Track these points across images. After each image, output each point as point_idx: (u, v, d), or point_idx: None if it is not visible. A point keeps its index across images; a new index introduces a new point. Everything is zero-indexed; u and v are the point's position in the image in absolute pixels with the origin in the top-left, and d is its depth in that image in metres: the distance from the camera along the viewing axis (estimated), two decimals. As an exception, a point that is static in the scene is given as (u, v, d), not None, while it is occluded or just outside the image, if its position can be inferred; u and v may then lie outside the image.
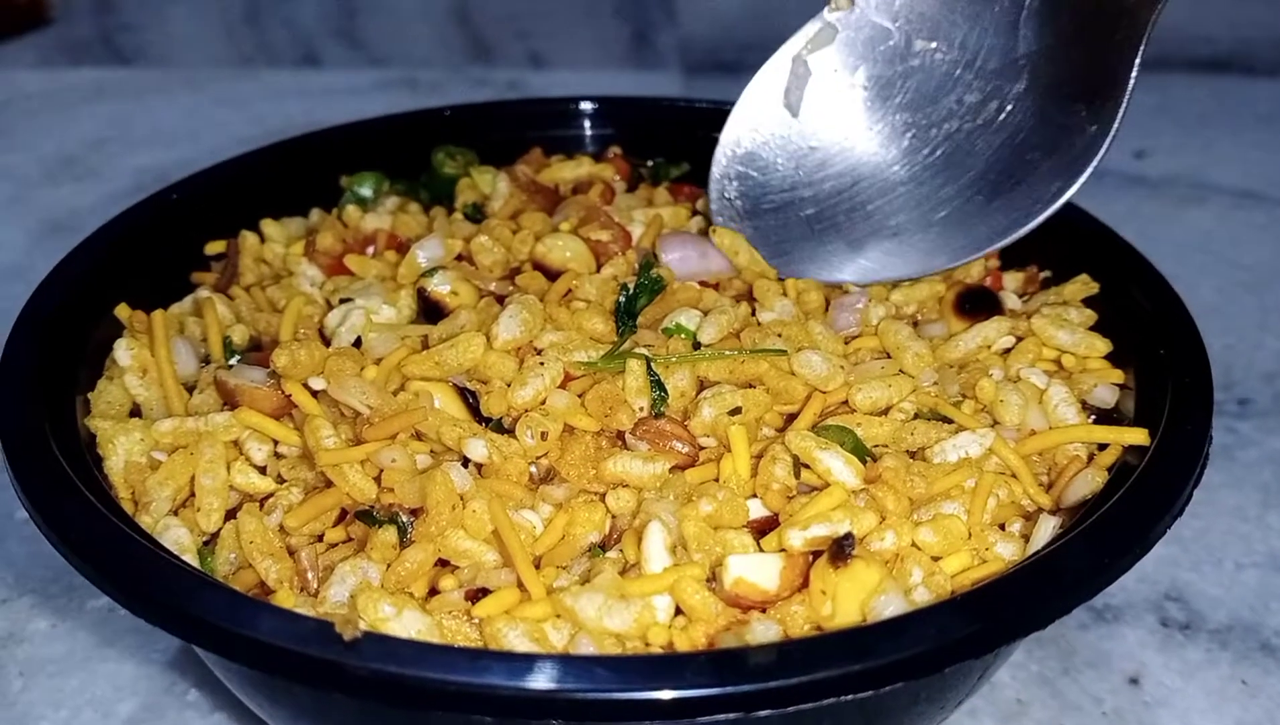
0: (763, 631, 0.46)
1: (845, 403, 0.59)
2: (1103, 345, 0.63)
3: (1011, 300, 0.68)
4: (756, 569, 0.49)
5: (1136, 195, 1.24)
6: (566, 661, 0.41)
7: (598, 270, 0.67)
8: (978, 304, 0.66)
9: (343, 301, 0.64)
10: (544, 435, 0.54)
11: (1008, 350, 0.63)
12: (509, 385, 0.57)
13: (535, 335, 0.59)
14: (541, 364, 0.57)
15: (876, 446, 0.57)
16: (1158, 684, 0.67)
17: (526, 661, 0.42)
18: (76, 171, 1.27)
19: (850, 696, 0.41)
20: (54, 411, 0.56)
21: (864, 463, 0.55)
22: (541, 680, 0.41)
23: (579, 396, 0.57)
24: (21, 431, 0.52)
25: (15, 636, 0.69)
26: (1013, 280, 0.72)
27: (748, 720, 0.41)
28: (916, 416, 0.59)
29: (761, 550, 0.52)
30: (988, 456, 0.57)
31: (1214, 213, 1.21)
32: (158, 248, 0.70)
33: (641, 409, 0.57)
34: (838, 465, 0.53)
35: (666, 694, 0.41)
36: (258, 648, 0.42)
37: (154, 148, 1.32)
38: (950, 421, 0.58)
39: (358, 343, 0.60)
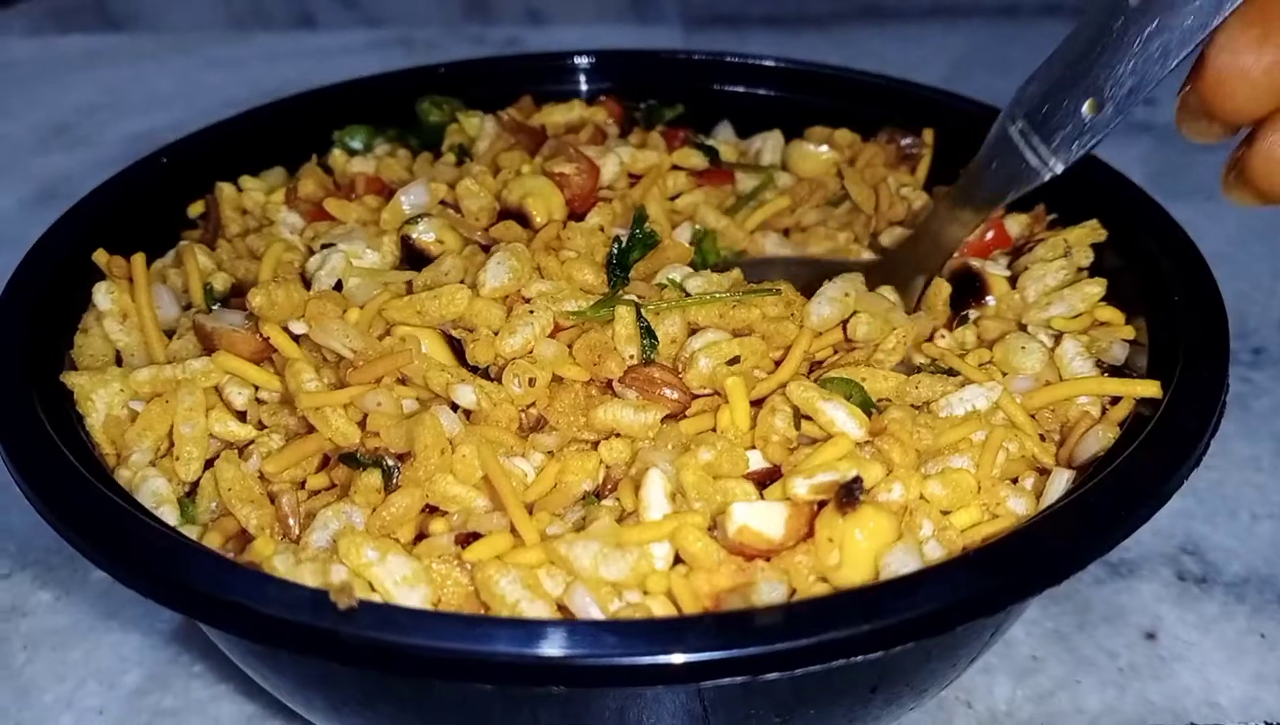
0: (768, 592, 0.45)
1: (836, 351, 0.59)
2: (1096, 289, 0.61)
3: (1000, 277, 0.65)
4: (762, 516, 0.48)
5: (1145, 143, 1.22)
6: (568, 627, 0.40)
7: (570, 208, 0.66)
8: (965, 290, 0.64)
9: (324, 247, 0.62)
10: (531, 382, 0.53)
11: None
12: (496, 334, 0.55)
13: (523, 284, 0.58)
14: (531, 312, 0.56)
15: (881, 400, 0.55)
16: (1174, 638, 0.66)
17: (526, 628, 0.41)
18: (68, 139, 1.25)
19: (860, 658, 0.40)
20: (42, 380, 0.55)
21: (868, 417, 0.54)
22: (542, 646, 0.40)
23: (568, 347, 0.56)
24: (9, 403, 0.51)
25: (19, 609, 0.69)
26: (1016, 223, 0.70)
27: (755, 682, 0.40)
28: (920, 369, 0.58)
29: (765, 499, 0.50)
30: (994, 411, 0.55)
31: (1224, 159, 1.19)
32: (149, 212, 0.68)
33: (631, 357, 0.56)
34: (841, 416, 0.52)
35: (673, 658, 0.40)
36: (250, 617, 0.41)
37: (146, 113, 1.30)
38: (957, 374, 0.57)
39: (339, 287, 0.59)
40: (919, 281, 0.64)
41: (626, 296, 0.58)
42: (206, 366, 0.56)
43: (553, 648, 0.39)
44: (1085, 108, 0.50)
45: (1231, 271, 0.98)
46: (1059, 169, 0.53)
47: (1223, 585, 0.70)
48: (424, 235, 0.62)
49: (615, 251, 0.62)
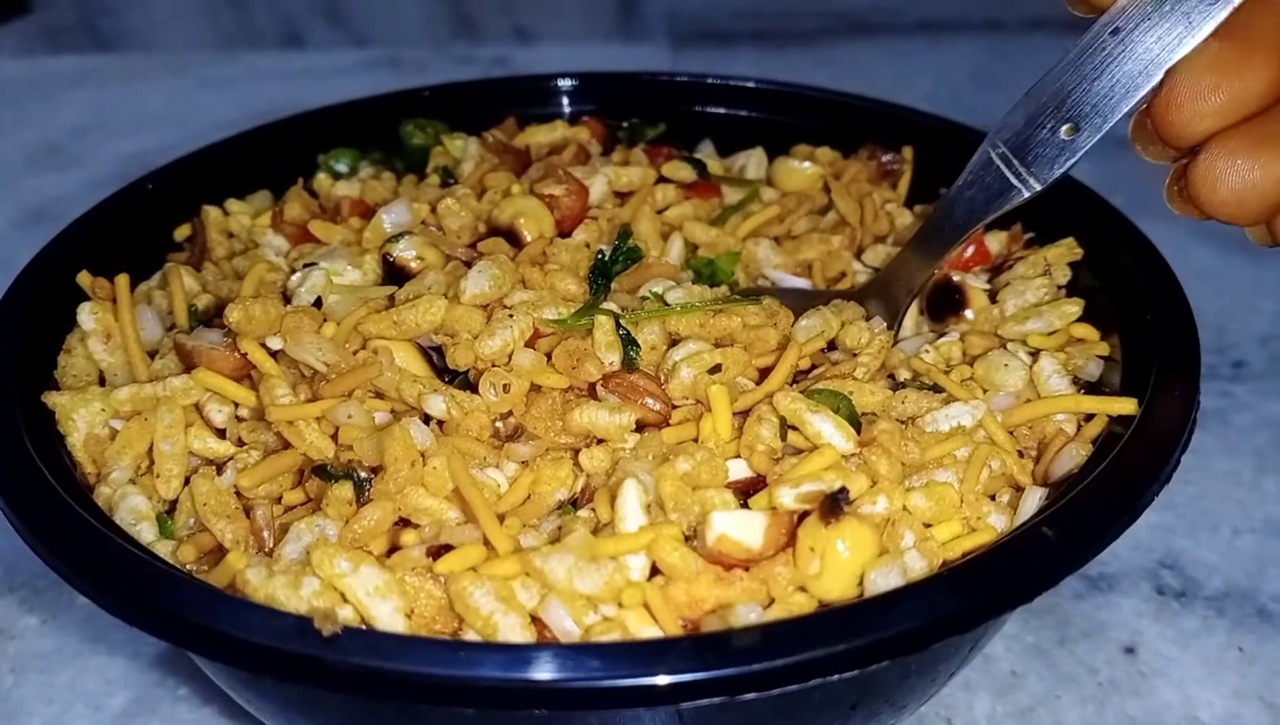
0: (746, 614, 0.45)
1: (815, 365, 0.60)
2: (1074, 308, 0.62)
3: (980, 290, 0.66)
4: (741, 525, 0.48)
5: (1130, 157, 1.22)
6: (550, 652, 0.41)
7: (559, 228, 0.66)
8: (945, 303, 0.65)
9: (306, 266, 0.63)
10: (506, 387, 0.53)
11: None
12: (476, 338, 0.56)
13: (505, 292, 0.59)
14: (510, 316, 0.56)
15: (866, 413, 0.56)
16: (1154, 653, 0.66)
17: (509, 652, 0.41)
18: (59, 160, 1.26)
19: (837, 677, 0.40)
20: (27, 401, 0.55)
21: (856, 430, 0.54)
22: (526, 671, 0.40)
23: (546, 355, 0.57)
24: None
25: (6, 633, 0.69)
26: (996, 241, 0.71)
27: (734, 702, 0.41)
28: (904, 385, 0.59)
29: (748, 508, 0.51)
30: (978, 428, 0.56)
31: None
32: (135, 236, 0.69)
33: (612, 364, 0.56)
34: (828, 428, 0.53)
35: (655, 680, 0.40)
36: (232, 644, 0.41)
37: (137, 134, 1.30)
38: (941, 390, 0.58)
39: (318, 304, 0.59)
40: (905, 301, 0.65)
41: (606, 306, 0.59)
42: (186, 384, 0.56)
43: (536, 672, 0.40)
44: (1063, 131, 0.54)
45: (1214, 287, 1.01)
46: (1038, 188, 0.56)
47: (1203, 599, 0.70)
48: (404, 252, 0.63)
49: (598, 261, 0.63)
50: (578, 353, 0.56)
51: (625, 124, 0.83)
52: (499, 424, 0.55)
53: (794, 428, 0.54)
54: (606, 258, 0.63)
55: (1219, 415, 0.85)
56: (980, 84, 1.39)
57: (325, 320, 0.58)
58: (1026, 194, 0.56)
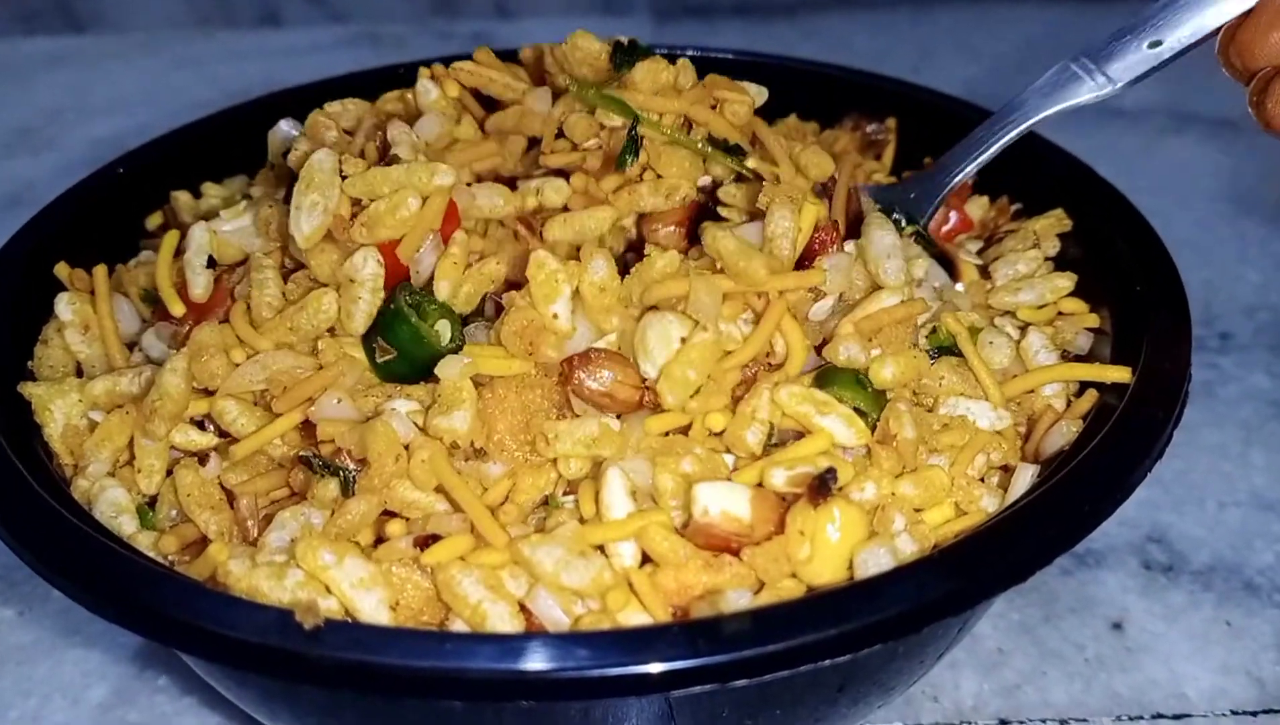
0: (736, 599, 0.44)
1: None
2: (1066, 283, 0.61)
3: (971, 263, 0.65)
4: (726, 497, 0.48)
5: (1115, 128, 1.22)
6: (536, 642, 0.40)
7: None
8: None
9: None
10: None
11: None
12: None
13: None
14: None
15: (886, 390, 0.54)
16: (1141, 629, 0.66)
17: (494, 643, 0.41)
18: (33, 143, 1.24)
19: (827, 663, 0.40)
20: (3, 393, 0.55)
21: (870, 413, 0.53)
22: (512, 662, 0.40)
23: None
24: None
25: (-17, 625, 0.68)
26: (978, 207, 0.70)
27: (725, 689, 0.40)
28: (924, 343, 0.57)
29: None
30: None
31: (1192, 143, 1.20)
32: (108, 223, 0.68)
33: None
34: (838, 427, 0.51)
35: (643, 669, 0.40)
36: (214, 640, 0.40)
37: (111, 116, 1.29)
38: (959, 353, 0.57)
39: (212, 263, 0.58)
40: (945, 188, 0.66)
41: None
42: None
43: (523, 663, 0.39)
44: (1146, 45, 0.58)
45: (1200, 257, 1.00)
46: (1115, 86, 0.59)
47: (1189, 574, 0.70)
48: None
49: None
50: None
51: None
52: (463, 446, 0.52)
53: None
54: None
55: (1206, 388, 0.84)
56: (963, 55, 1.38)
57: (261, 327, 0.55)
58: (1101, 91, 0.59)
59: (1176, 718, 0.62)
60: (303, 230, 0.53)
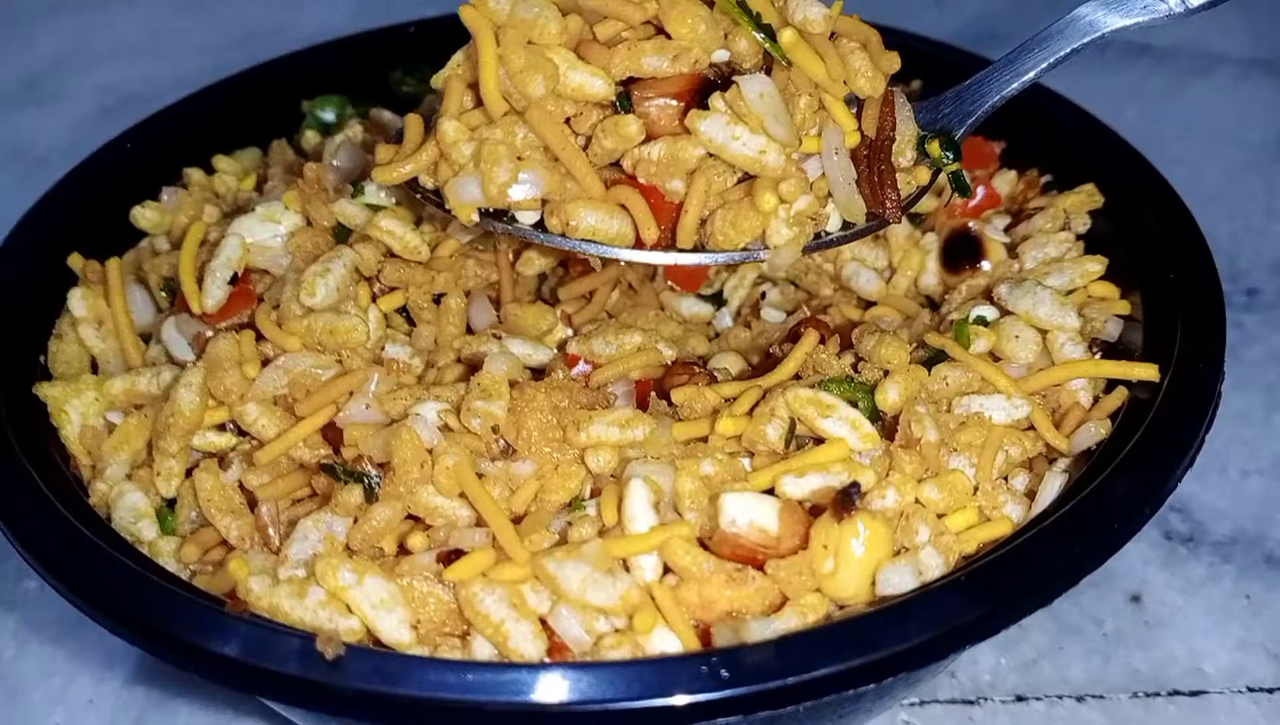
0: (760, 629, 0.44)
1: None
2: (1096, 267, 0.60)
3: (998, 242, 0.64)
4: (754, 509, 0.47)
5: (1142, 67, 1.18)
6: (561, 671, 0.41)
7: None
8: (961, 253, 0.63)
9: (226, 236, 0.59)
10: (495, 429, 0.51)
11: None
12: None
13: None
14: None
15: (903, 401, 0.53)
16: (1159, 602, 0.66)
17: (516, 672, 0.41)
18: (38, 94, 1.22)
19: (852, 691, 0.40)
20: (14, 390, 0.54)
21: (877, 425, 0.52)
22: (535, 692, 0.40)
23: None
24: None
25: (4, 601, 0.68)
26: (1005, 181, 0.69)
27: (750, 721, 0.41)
28: (921, 347, 0.56)
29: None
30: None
31: (1220, 85, 1.16)
32: (115, 202, 0.66)
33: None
34: (843, 430, 0.51)
35: (671, 702, 0.40)
36: (234, 667, 0.41)
37: (115, 63, 1.26)
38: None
39: (235, 279, 0.57)
40: (980, 110, 0.60)
41: None
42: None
43: (544, 694, 0.40)
44: None
45: (1226, 210, 0.98)
46: (1190, 6, 0.55)
47: (1210, 545, 0.70)
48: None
49: None
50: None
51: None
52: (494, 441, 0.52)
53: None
54: None
55: (1230, 350, 0.81)
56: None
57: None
58: (1174, 10, 0.55)
59: (1193, 694, 0.62)
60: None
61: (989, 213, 0.66)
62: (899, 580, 0.46)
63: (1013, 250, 0.63)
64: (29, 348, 0.58)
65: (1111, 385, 0.55)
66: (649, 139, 0.52)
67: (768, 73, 0.53)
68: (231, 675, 0.41)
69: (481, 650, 0.45)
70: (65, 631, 0.66)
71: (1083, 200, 0.64)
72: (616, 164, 0.54)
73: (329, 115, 0.74)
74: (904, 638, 0.40)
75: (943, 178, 0.59)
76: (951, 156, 0.57)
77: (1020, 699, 0.62)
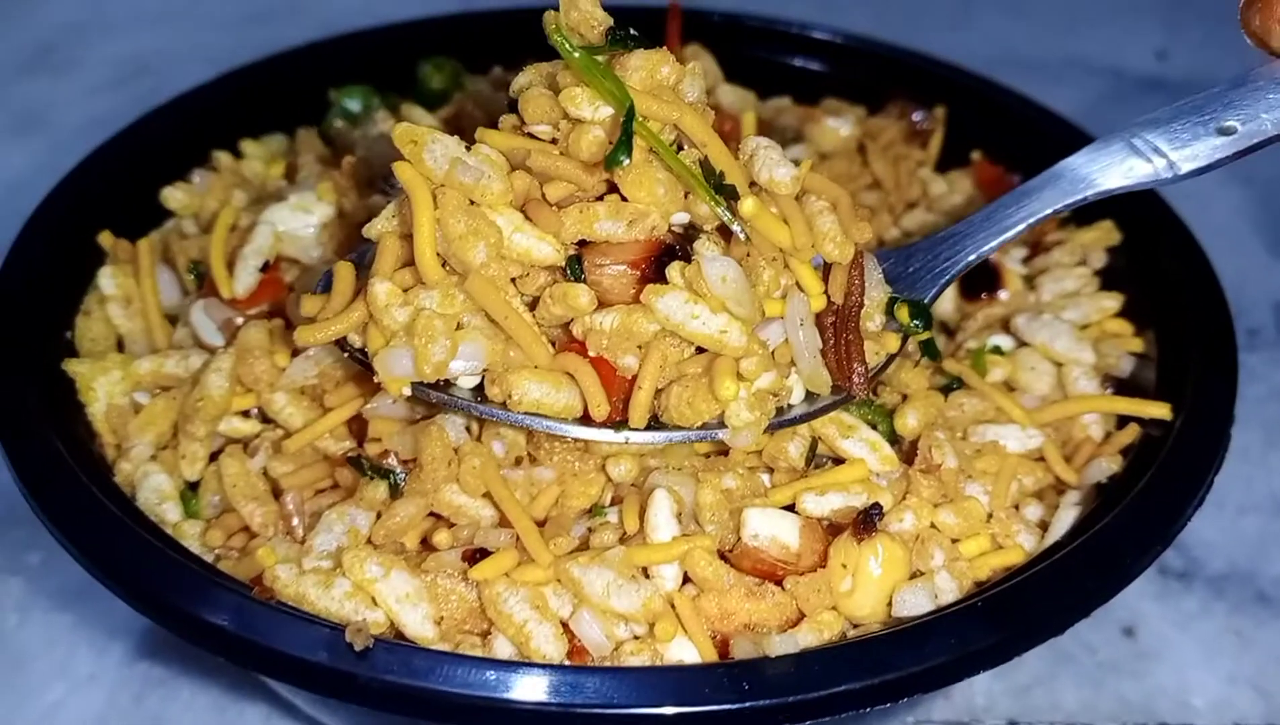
0: (781, 644, 0.45)
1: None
2: (1112, 303, 0.61)
3: (1016, 273, 0.65)
4: (776, 525, 0.48)
5: (1155, 100, 1.19)
6: (584, 674, 0.41)
7: None
8: (980, 282, 0.64)
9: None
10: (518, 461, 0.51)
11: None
12: None
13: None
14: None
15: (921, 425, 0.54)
16: (1153, 635, 0.67)
17: (545, 673, 0.42)
18: (54, 62, 1.21)
19: (869, 709, 0.41)
20: (48, 365, 0.55)
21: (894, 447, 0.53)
22: (562, 694, 0.41)
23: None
24: (10, 398, 0.51)
25: (8, 570, 0.69)
26: None
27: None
28: (938, 373, 0.57)
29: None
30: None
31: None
32: (142, 178, 0.66)
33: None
34: (863, 451, 0.52)
35: (694, 710, 0.41)
36: (264, 654, 0.41)
37: (132, 32, 1.26)
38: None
39: (266, 267, 0.57)
40: (956, 268, 0.58)
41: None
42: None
43: (571, 696, 0.41)
44: (1214, 129, 0.52)
45: (1231, 244, 0.98)
46: (1179, 174, 0.53)
47: (1203, 580, 0.71)
48: None
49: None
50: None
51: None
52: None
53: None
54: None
55: None
56: (1007, 12, 1.34)
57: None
58: (1161, 177, 0.53)
59: (1181, 726, 0.63)
60: None
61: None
62: (914, 602, 0.47)
63: (1030, 282, 0.64)
64: (57, 323, 0.58)
65: (1123, 421, 0.56)
66: (601, 306, 0.48)
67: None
68: (260, 661, 0.42)
69: (502, 649, 0.46)
70: (67, 603, 0.67)
71: (1100, 236, 0.65)
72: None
73: (354, 105, 0.74)
74: (921, 659, 0.41)
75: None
76: (921, 325, 0.54)
77: (1013, 723, 0.63)
